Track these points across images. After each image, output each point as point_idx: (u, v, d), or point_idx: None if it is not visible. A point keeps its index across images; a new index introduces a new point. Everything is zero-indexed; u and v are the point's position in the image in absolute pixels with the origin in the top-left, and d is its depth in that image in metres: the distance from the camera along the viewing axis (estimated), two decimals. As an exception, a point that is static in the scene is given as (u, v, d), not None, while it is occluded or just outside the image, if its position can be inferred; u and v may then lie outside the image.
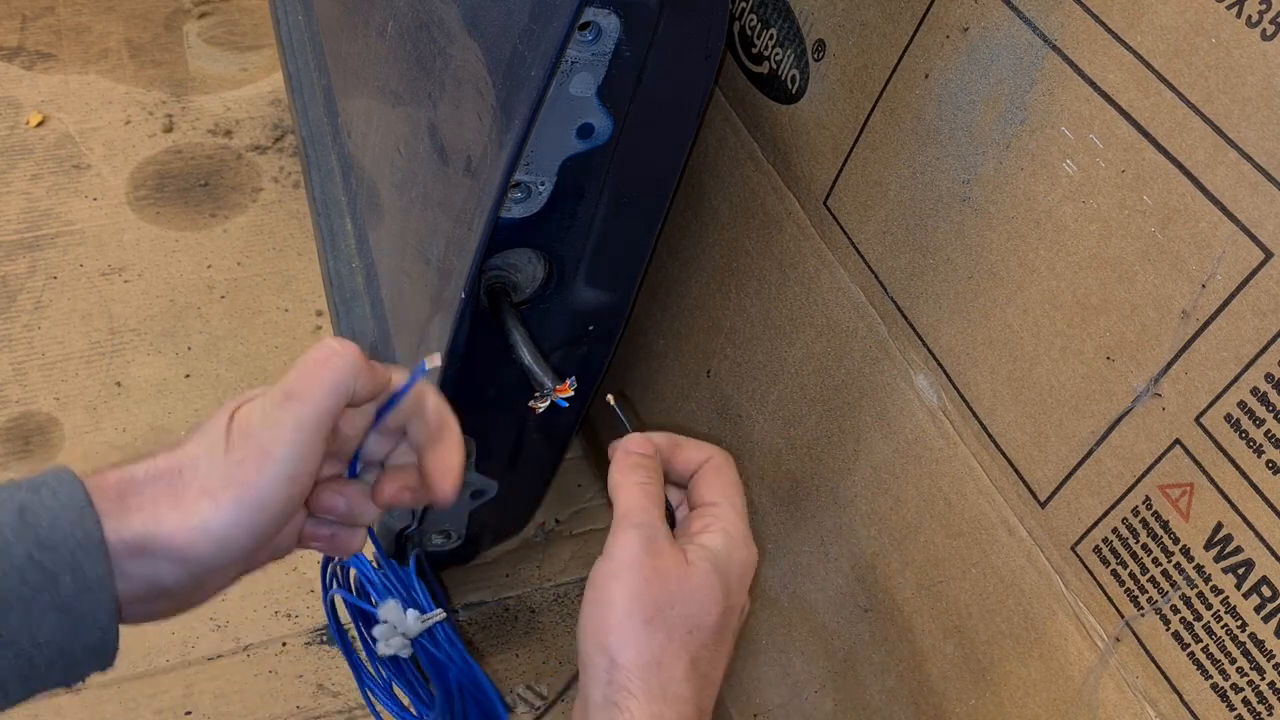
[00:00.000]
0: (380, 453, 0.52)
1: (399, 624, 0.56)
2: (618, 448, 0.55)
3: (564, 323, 0.68)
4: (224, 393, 1.10)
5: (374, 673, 0.68)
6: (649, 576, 0.49)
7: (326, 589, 0.65)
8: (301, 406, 0.44)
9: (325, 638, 0.93)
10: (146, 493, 0.43)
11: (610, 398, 0.58)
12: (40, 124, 1.33)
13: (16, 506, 0.41)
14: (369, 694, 0.69)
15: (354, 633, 0.68)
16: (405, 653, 0.57)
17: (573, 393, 0.59)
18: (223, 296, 1.18)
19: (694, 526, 0.53)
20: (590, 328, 0.69)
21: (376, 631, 0.56)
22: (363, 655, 0.69)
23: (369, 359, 0.47)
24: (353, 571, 0.63)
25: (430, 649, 0.58)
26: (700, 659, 0.49)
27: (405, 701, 0.68)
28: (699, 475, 0.55)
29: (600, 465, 1.07)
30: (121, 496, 0.43)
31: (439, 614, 0.57)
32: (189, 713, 0.88)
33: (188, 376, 1.11)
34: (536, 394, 0.59)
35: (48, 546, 0.40)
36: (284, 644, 0.92)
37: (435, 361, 0.47)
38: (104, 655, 0.43)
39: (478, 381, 0.69)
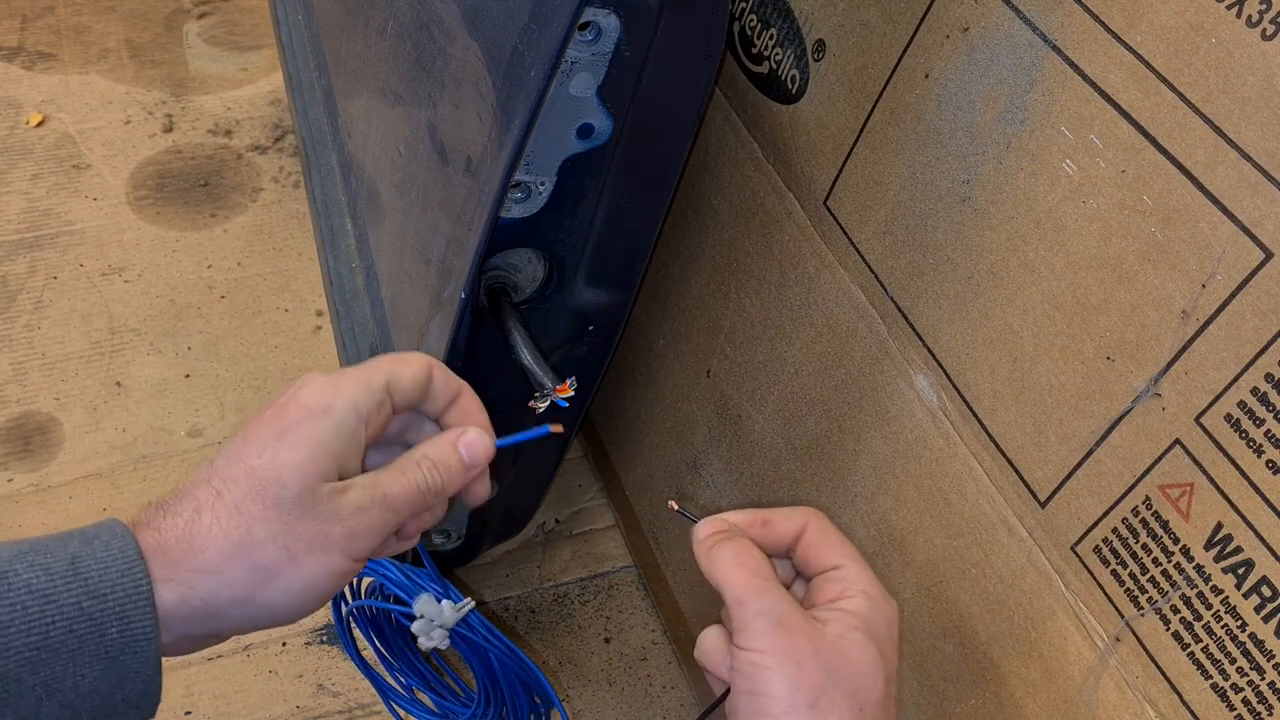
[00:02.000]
0: None
1: (435, 616, 0.57)
2: (694, 541, 0.51)
3: (564, 323, 0.68)
4: (224, 393, 1.10)
5: (393, 681, 0.69)
6: (801, 660, 0.46)
7: (336, 606, 0.65)
8: (394, 517, 0.48)
9: (325, 638, 0.93)
10: (210, 550, 0.44)
11: (672, 504, 0.55)
12: (40, 124, 1.33)
13: (69, 556, 0.42)
14: (393, 705, 0.69)
15: (367, 651, 0.68)
16: (444, 645, 0.58)
17: (573, 393, 0.59)
18: (223, 296, 1.18)
19: (829, 593, 0.50)
20: (590, 328, 0.69)
21: (415, 628, 0.57)
22: (381, 670, 0.69)
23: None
24: (364, 581, 0.63)
25: (468, 635, 0.58)
26: None
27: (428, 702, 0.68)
28: (804, 542, 0.51)
29: (601, 465, 1.07)
30: (183, 559, 0.44)
31: (470, 603, 0.58)
32: (189, 713, 0.88)
33: (188, 376, 1.11)
34: (536, 394, 0.59)
35: (96, 595, 0.41)
36: (284, 644, 0.92)
37: (557, 429, 0.52)
38: (146, 706, 0.44)
39: (478, 381, 0.69)
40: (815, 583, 0.51)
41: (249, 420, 0.47)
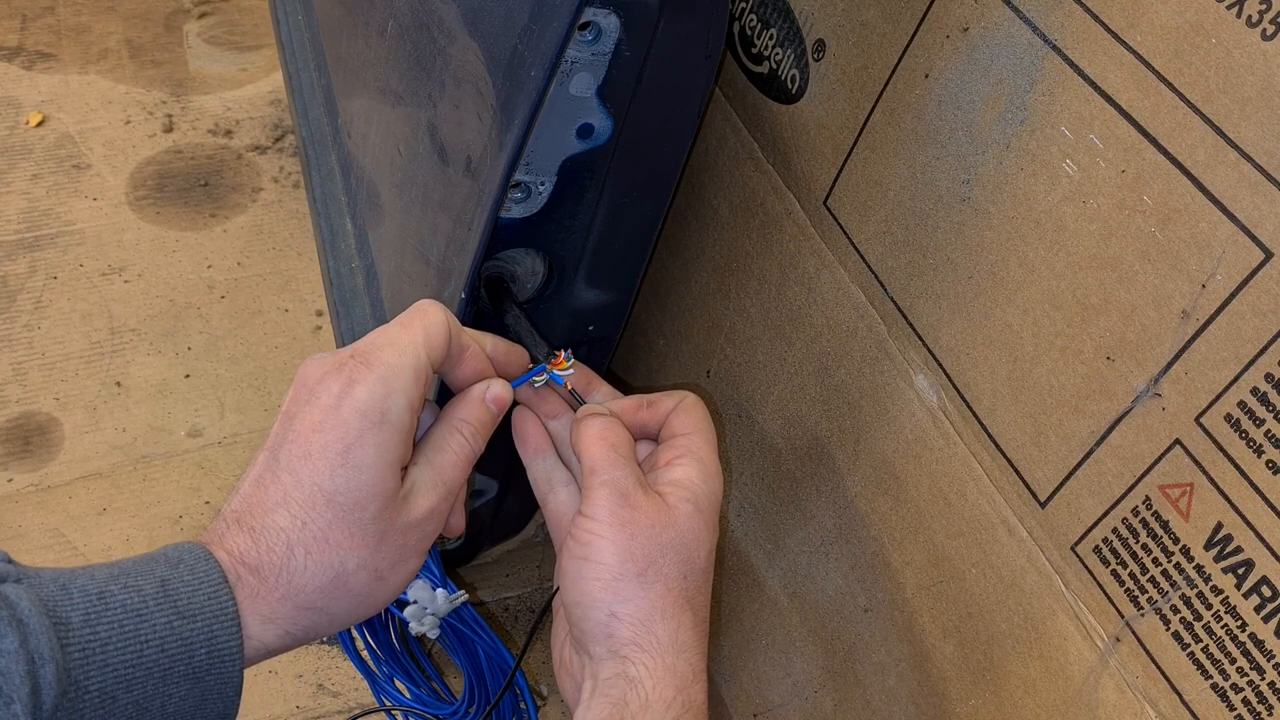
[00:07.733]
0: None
1: (429, 604, 0.57)
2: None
3: (564, 323, 0.68)
4: (224, 393, 1.10)
5: (376, 670, 0.69)
6: (634, 532, 0.48)
7: None
8: (453, 496, 0.50)
9: (325, 638, 0.93)
10: (309, 588, 0.45)
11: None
12: (40, 124, 1.33)
13: (158, 579, 0.43)
14: (382, 699, 0.69)
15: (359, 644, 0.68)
16: (434, 633, 0.59)
17: (570, 367, 0.59)
18: (223, 296, 1.18)
19: (664, 457, 0.53)
20: (590, 328, 0.69)
21: (407, 613, 0.58)
22: (368, 659, 0.69)
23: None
24: None
25: (458, 626, 0.59)
26: (697, 603, 0.49)
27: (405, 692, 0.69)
28: (672, 414, 0.55)
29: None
30: (285, 597, 0.45)
31: (463, 595, 0.58)
32: (189, 713, 0.88)
33: (188, 376, 1.11)
34: (531, 368, 0.60)
35: (186, 616, 0.42)
36: (284, 644, 0.92)
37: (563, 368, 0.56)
38: None
39: (478, 381, 0.69)
40: (661, 446, 0.54)
41: (295, 412, 0.46)
